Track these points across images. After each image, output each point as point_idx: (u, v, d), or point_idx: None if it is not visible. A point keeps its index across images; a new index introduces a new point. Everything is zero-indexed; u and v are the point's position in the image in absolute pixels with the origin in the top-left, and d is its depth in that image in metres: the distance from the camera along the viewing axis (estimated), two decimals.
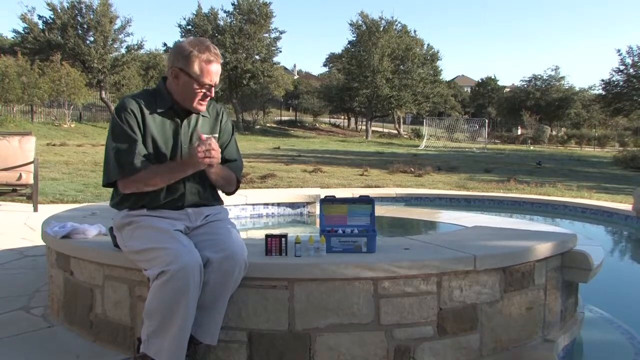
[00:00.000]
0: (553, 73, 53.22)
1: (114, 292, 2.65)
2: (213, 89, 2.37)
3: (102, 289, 2.71)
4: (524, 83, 54.86)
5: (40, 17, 34.41)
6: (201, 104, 2.37)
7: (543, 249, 2.76)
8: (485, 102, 63.50)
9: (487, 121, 37.47)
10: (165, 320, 2.11)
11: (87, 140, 22.74)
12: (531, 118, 46.11)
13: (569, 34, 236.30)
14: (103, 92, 33.69)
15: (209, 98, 2.38)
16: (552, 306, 2.88)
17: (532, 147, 36.56)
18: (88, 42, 33.26)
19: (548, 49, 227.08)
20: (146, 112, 2.34)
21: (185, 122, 2.41)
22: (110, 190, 2.48)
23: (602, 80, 43.25)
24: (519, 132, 49.91)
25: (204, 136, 2.27)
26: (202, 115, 2.45)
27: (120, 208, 2.44)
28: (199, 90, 2.33)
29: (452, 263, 2.48)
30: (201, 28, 38.03)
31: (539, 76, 53.39)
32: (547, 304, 2.84)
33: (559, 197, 8.57)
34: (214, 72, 2.34)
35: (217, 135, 2.47)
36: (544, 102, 50.68)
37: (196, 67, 2.30)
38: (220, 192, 2.60)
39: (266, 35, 40.74)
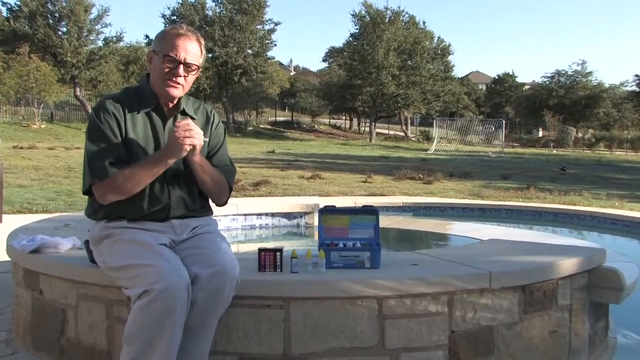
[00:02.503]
0: (579, 68, 53.48)
1: (88, 313, 2.65)
2: (187, 70, 2.36)
3: (76, 310, 2.70)
4: (546, 79, 55.10)
5: (4, 3, 34.40)
6: (171, 85, 2.35)
7: (567, 265, 2.77)
8: (502, 100, 63.65)
9: (504, 122, 37.56)
10: (147, 346, 2.10)
11: (59, 143, 22.74)
12: (554, 118, 46.24)
13: (597, 25, 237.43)
14: (77, 89, 33.71)
15: (180, 79, 2.36)
16: (579, 330, 2.87)
17: (554, 151, 36.63)
18: (60, 32, 33.19)
19: (574, 41, 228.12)
20: (127, 113, 2.36)
21: (170, 122, 2.42)
22: (86, 197, 2.48)
23: (636, 76, 43.46)
24: (540, 134, 50.06)
25: (179, 121, 2.29)
26: (191, 117, 2.46)
27: (97, 218, 2.44)
28: (166, 67, 2.34)
29: (465, 280, 2.49)
30: (187, 19, 38.16)
31: (563, 72, 53.61)
32: (573, 327, 2.84)
33: (585, 207, 8.58)
34: (182, 46, 2.35)
35: (206, 140, 2.46)
36: (568, 100, 50.82)
37: (164, 42, 2.37)
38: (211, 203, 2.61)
39: (259, 27, 40.88)
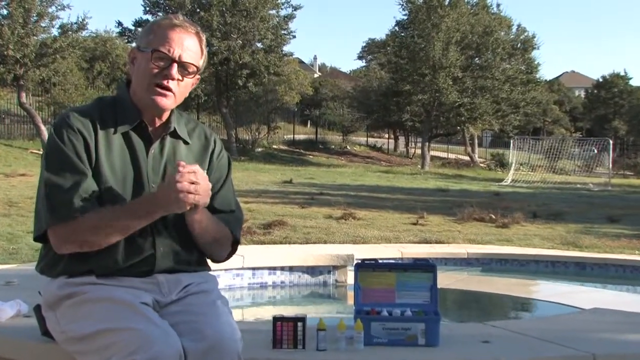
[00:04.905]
0: None
1: None
2: (182, 71, 2.40)
3: None
4: None
5: None
6: (159, 92, 2.39)
7: None
8: (609, 112, 63.31)
9: (611, 142, 37.27)
10: None
11: None
12: None
13: None
14: (23, 94, 33.89)
15: (172, 83, 2.39)
16: None
17: None
18: None
19: None
20: (100, 131, 2.39)
21: (155, 146, 2.46)
22: (38, 245, 2.51)
23: None
24: None
25: (183, 163, 2.27)
26: (184, 142, 2.51)
27: (55, 273, 2.45)
28: (155, 66, 2.38)
29: None
30: (175, 1, 38.71)
31: None
32: None
33: None
34: (177, 40, 2.39)
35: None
36: None
37: (153, 35, 2.42)
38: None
39: (273, 12, 41.29)
